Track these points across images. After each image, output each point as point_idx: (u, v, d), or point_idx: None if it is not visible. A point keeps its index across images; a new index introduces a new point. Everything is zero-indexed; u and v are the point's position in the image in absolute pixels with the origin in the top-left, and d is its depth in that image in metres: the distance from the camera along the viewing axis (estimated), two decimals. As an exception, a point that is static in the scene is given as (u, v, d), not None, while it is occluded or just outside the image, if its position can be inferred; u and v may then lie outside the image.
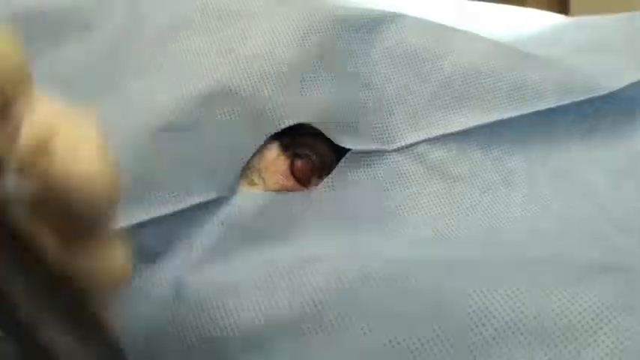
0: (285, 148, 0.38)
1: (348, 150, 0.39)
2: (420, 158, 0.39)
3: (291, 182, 0.38)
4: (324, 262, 0.32)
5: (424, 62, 0.43)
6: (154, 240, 0.36)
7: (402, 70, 0.42)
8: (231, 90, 0.38)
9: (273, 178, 0.38)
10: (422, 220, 0.38)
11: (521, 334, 0.27)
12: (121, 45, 0.46)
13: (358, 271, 0.31)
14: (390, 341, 0.28)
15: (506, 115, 0.41)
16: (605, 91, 0.45)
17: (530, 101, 0.43)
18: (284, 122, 0.37)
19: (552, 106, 0.43)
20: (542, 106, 0.43)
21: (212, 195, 0.36)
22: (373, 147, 0.38)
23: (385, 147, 0.38)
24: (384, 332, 0.28)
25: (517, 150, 0.42)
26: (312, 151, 0.39)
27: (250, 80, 0.38)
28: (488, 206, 0.40)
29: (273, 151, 0.38)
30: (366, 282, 0.31)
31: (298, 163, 0.38)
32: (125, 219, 0.35)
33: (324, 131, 0.37)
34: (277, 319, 0.31)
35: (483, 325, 0.28)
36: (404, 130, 0.39)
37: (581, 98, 0.44)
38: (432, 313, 0.29)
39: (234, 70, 0.39)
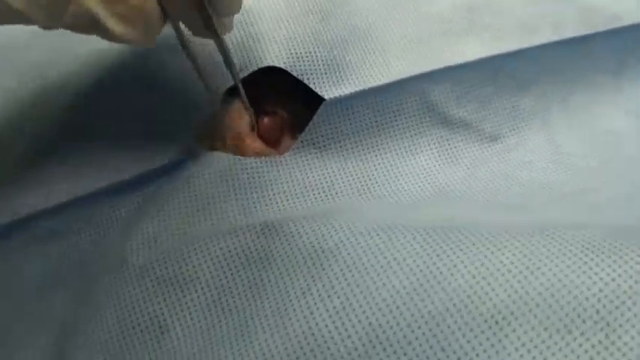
0: (260, 112, 0.32)
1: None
2: (419, 97, 0.33)
3: (257, 143, 0.32)
4: (294, 234, 0.26)
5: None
6: (107, 210, 0.31)
7: (390, 7, 0.35)
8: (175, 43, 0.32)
9: (236, 139, 0.32)
10: (418, 175, 0.32)
11: (523, 314, 0.21)
12: None
13: (330, 242, 0.25)
14: (363, 327, 0.22)
15: (519, 46, 0.35)
16: (632, 22, 0.39)
17: (546, 31, 0.36)
18: (246, 70, 0.31)
19: (573, 35, 0.37)
20: (560, 35, 0.36)
21: (163, 161, 0.31)
22: (361, 87, 0.31)
23: (375, 83, 0.32)
24: (357, 315, 0.22)
25: (532, 88, 0.36)
26: (282, 108, 0.33)
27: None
28: (496, 160, 0.34)
29: (236, 110, 0.32)
30: (338, 255, 0.24)
31: (264, 120, 0.32)
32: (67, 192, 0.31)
33: (299, 76, 0.31)
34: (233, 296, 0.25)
35: (482, 304, 0.21)
36: (398, 65, 0.32)
37: (605, 29, 0.38)
38: (416, 291, 0.22)
39: None
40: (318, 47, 0.32)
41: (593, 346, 0.20)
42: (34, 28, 0.38)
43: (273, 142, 0.32)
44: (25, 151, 0.32)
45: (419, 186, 0.32)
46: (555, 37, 0.36)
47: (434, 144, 0.33)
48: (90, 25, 0.22)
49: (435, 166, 0.33)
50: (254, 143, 0.31)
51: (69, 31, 0.36)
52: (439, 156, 0.33)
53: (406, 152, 0.33)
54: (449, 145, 0.34)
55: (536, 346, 0.20)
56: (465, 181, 0.33)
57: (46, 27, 0.23)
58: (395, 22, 0.34)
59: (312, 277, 0.24)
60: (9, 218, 0.31)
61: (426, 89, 0.33)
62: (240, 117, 0.31)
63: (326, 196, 0.30)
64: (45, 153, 0.32)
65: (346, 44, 0.33)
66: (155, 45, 0.24)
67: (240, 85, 0.30)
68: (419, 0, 0.36)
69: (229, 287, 0.25)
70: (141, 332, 0.25)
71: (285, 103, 0.32)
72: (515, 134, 0.35)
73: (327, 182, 0.31)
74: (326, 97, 0.31)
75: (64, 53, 0.35)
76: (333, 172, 0.31)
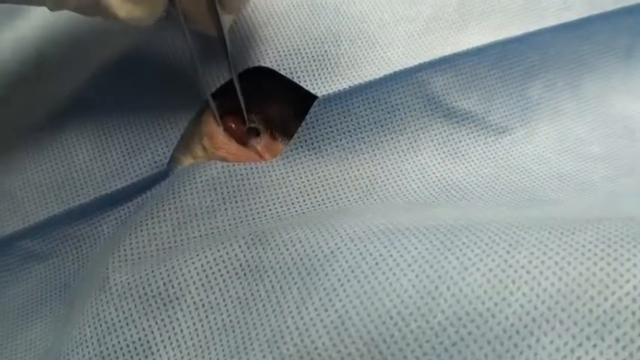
0: (224, 110, 0.30)
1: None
2: (419, 89, 0.30)
3: (234, 148, 0.30)
4: (286, 242, 0.24)
5: None
6: (88, 229, 0.29)
7: None
8: (152, 50, 0.30)
9: (214, 144, 0.30)
10: (422, 174, 0.30)
11: (547, 320, 0.18)
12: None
13: (325, 248, 0.23)
14: (364, 343, 0.19)
15: (523, 31, 0.32)
16: None
17: (553, 13, 0.34)
18: (224, 77, 0.29)
19: (580, 17, 0.34)
20: (567, 17, 0.34)
21: (145, 173, 0.29)
22: (356, 82, 0.29)
23: (371, 77, 0.29)
24: (357, 330, 0.20)
25: (540, 75, 0.34)
26: (266, 111, 0.31)
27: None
28: (504, 155, 0.32)
29: (212, 117, 0.30)
30: (335, 262, 0.22)
31: (229, 120, 0.30)
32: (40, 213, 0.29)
33: (287, 75, 0.29)
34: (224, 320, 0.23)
35: (500, 312, 0.19)
36: (395, 56, 0.30)
37: (614, 8, 0.36)
38: (423, 299, 0.20)
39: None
40: (307, 43, 0.30)
41: (631, 355, 0.17)
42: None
43: (243, 141, 0.30)
44: None
45: (423, 185, 0.29)
46: (561, 20, 0.34)
47: (437, 140, 0.31)
48: (94, 6, 0.22)
49: (439, 163, 0.30)
50: (231, 146, 0.29)
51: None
52: (443, 152, 0.31)
53: (408, 150, 0.30)
54: (453, 140, 0.31)
55: (564, 357, 0.18)
56: (473, 177, 0.30)
57: (53, 9, 0.23)
58: (388, 12, 0.32)
59: (307, 288, 0.21)
60: None
61: (427, 80, 0.30)
62: (216, 123, 0.30)
63: (323, 200, 0.28)
64: (19, 169, 0.30)
65: (337, 38, 0.30)
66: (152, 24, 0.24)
67: (235, 78, 0.28)
68: None
69: (218, 304, 0.23)
70: (123, 356, 0.23)
71: (269, 106, 0.30)
72: (523, 125, 0.33)
73: (324, 186, 0.29)
74: (319, 94, 0.29)
75: (45, 66, 0.33)
76: (331, 174, 0.29)
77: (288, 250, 0.23)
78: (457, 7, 0.33)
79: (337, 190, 0.29)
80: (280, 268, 0.23)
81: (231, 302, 0.23)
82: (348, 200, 0.28)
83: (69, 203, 0.29)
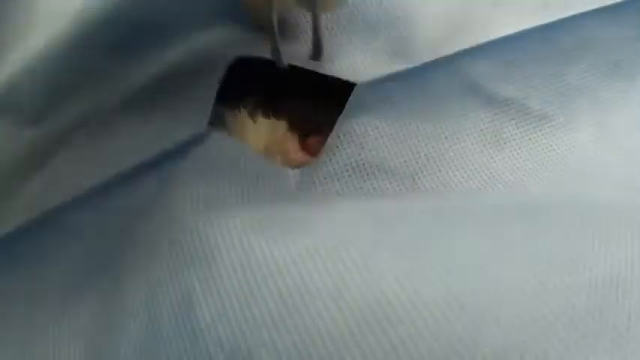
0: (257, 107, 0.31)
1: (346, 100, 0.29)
2: (459, 76, 0.30)
3: (300, 155, 0.30)
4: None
5: None
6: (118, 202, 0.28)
7: None
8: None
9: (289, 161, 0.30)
10: (466, 163, 0.29)
11: None
12: None
13: (371, 236, 0.22)
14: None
15: (563, 15, 0.32)
16: None
17: None
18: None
19: (616, 1, 0.34)
20: (603, 1, 0.33)
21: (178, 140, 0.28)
22: (395, 69, 0.28)
23: (411, 64, 0.29)
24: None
25: (579, 60, 0.33)
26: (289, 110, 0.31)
27: None
28: (544, 143, 0.31)
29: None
30: (379, 249, 0.21)
31: (311, 140, 0.30)
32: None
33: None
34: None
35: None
36: (434, 41, 0.29)
37: None
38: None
39: None
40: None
41: None
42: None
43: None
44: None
45: (467, 175, 0.29)
46: (603, 3, 0.33)
47: (480, 127, 0.30)
48: None
49: (482, 151, 0.29)
50: (297, 155, 0.30)
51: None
52: (486, 140, 0.30)
53: (451, 137, 0.29)
54: (495, 126, 0.30)
55: None
56: (516, 168, 0.29)
57: None
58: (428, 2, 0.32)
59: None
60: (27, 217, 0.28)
61: (467, 67, 0.30)
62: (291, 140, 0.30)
63: (369, 191, 0.27)
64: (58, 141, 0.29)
65: (376, 29, 0.30)
66: None
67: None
68: None
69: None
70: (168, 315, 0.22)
71: (294, 102, 0.30)
72: (562, 112, 0.32)
73: (369, 178, 0.28)
74: (357, 82, 0.28)
75: None
76: (372, 167, 0.28)
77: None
78: None
79: (378, 182, 0.28)
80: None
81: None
82: (393, 189, 0.27)
83: (108, 173, 0.28)
